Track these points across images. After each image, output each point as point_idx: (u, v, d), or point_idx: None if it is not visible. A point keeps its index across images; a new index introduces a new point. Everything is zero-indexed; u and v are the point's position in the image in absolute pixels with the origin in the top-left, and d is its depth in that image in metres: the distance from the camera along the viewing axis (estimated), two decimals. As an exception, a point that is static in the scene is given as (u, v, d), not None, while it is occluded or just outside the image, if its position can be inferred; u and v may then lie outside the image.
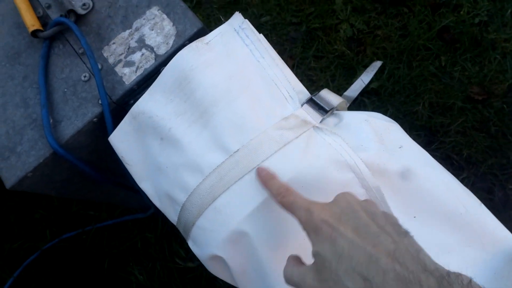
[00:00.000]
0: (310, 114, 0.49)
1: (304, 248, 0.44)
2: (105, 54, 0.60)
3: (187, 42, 0.57)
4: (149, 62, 0.58)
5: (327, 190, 0.45)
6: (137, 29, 0.60)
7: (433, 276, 0.27)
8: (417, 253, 0.29)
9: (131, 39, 0.59)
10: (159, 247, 1.05)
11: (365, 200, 0.35)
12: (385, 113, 1.08)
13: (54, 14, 0.62)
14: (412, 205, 0.47)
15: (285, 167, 0.45)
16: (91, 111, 0.57)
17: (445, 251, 0.47)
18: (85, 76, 0.59)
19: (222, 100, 0.48)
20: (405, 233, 0.31)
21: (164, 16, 0.59)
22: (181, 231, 0.51)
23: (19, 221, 1.14)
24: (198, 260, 0.50)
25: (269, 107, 0.49)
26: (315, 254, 0.31)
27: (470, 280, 0.28)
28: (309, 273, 0.32)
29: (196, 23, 0.58)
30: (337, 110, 0.53)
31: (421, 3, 1.19)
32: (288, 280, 0.35)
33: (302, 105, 0.50)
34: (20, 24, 0.64)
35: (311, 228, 0.33)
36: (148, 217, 1.04)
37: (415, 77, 1.10)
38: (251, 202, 0.44)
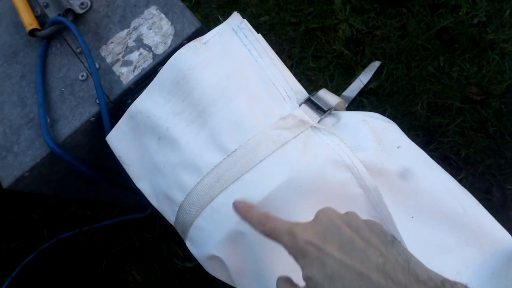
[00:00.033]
0: (308, 114, 0.49)
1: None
2: (102, 54, 0.59)
3: (185, 41, 0.57)
4: (147, 62, 0.58)
5: (325, 190, 0.45)
6: (135, 29, 0.60)
7: (426, 287, 0.27)
8: (408, 263, 0.28)
9: (129, 38, 0.59)
10: (157, 247, 1.05)
11: (346, 213, 0.34)
12: (383, 113, 1.08)
13: (52, 13, 0.62)
14: (410, 205, 0.47)
15: (282, 167, 0.44)
16: (88, 110, 0.57)
17: (443, 251, 0.47)
18: (82, 76, 0.59)
19: (220, 100, 0.48)
20: (392, 242, 0.30)
21: (162, 15, 0.59)
22: (178, 231, 0.51)
23: (16, 221, 1.14)
24: (196, 260, 0.50)
25: (267, 107, 0.49)
26: (305, 279, 0.30)
27: (465, 287, 0.28)
28: None
29: (194, 23, 0.58)
30: (335, 110, 0.53)
31: (420, 3, 1.19)
32: None
33: (300, 105, 0.50)
34: (17, 23, 0.64)
35: (298, 252, 0.32)
36: (146, 217, 1.04)
37: (414, 77, 1.10)
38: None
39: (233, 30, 0.53)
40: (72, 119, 0.57)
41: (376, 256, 0.28)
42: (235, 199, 0.45)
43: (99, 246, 1.08)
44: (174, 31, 0.58)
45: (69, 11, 0.61)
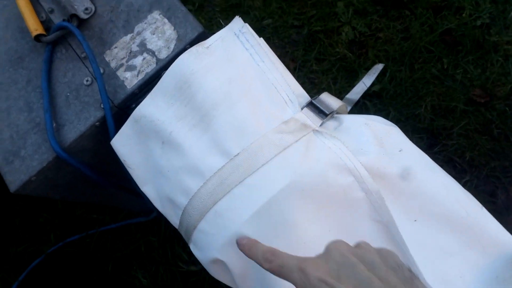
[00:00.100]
0: (310, 118, 0.49)
1: (303, 252, 0.44)
2: (107, 58, 0.60)
3: (188, 46, 0.58)
4: (151, 66, 0.58)
5: (327, 193, 0.45)
6: (138, 33, 0.60)
7: None
8: None
9: (133, 43, 0.60)
10: (162, 251, 1.06)
11: (359, 246, 0.32)
12: (387, 116, 1.08)
13: (57, 19, 0.63)
14: (413, 208, 0.47)
15: (285, 171, 0.45)
16: (93, 115, 0.58)
17: (447, 254, 0.47)
18: (87, 80, 0.60)
19: (223, 104, 0.49)
20: (411, 279, 0.29)
21: (165, 20, 0.60)
22: (182, 234, 0.52)
23: (23, 225, 1.15)
24: (200, 263, 0.50)
25: (269, 111, 0.49)
26: None
27: None
28: None
29: (197, 27, 0.58)
30: (337, 113, 0.53)
31: (423, 5, 1.19)
32: None
33: (302, 109, 0.50)
34: (23, 28, 0.65)
35: None
36: (151, 221, 1.05)
37: (417, 80, 1.10)
38: (251, 205, 0.44)
39: (235, 34, 0.53)
40: (77, 123, 0.58)
41: None
42: (238, 203, 0.45)
43: (105, 250, 1.08)
44: (177, 36, 0.59)
45: (73, 16, 0.62)
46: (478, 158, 0.99)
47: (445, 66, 1.11)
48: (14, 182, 0.58)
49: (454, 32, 1.14)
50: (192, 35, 0.58)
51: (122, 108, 0.59)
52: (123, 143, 0.55)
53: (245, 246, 0.36)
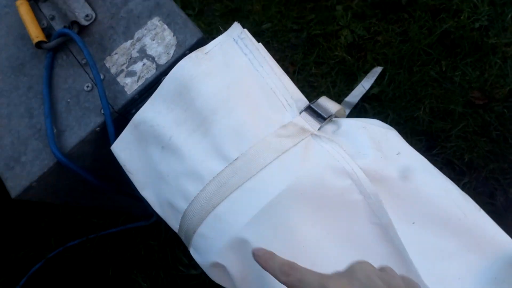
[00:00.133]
0: (308, 122, 0.50)
1: (302, 255, 0.44)
2: (107, 64, 0.61)
3: (187, 51, 0.58)
4: (150, 72, 0.59)
5: (326, 196, 0.45)
6: (138, 40, 0.61)
7: None
8: None
9: (133, 49, 0.61)
10: (163, 255, 1.06)
11: (383, 269, 0.31)
12: (386, 118, 1.08)
13: (57, 26, 0.64)
14: (411, 211, 0.48)
15: (283, 175, 0.45)
16: (93, 120, 0.58)
17: (445, 256, 0.47)
18: (88, 86, 0.60)
19: (222, 109, 0.49)
20: None
21: (165, 26, 0.60)
22: (182, 238, 0.52)
23: (24, 229, 1.15)
24: (200, 267, 0.50)
25: (268, 115, 0.50)
26: None
27: None
28: None
29: (196, 33, 0.59)
30: (335, 117, 0.54)
31: (422, 8, 1.19)
32: None
33: (300, 113, 0.50)
34: (24, 35, 0.65)
35: None
36: (151, 225, 1.05)
37: (416, 82, 1.10)
38: (250, 209, 0.45)
39: (234, 40, 0.54)
40: (78, 129, 0.59)
41: None
42: (237, 207, 0.46)
43: (105, 254, 1.09)
44: (176, 42, 0.59)
45: (74, 23, 0.62)
46: (477, 160, 1.00)
47: (444, 69, 1.11)
48: (15, 187, 0.58)
49: (452, 34, 1.15)
50: (192, 41, 0.58)
51: (122, 114, 0.59)
52: (123, 148, 0.56)
53: (261, 258, 0.35)
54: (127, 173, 0.56)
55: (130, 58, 0.60)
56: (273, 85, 0.52)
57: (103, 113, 0.58)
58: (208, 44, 0.54)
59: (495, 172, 0.98)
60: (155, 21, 0.61)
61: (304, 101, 0.52)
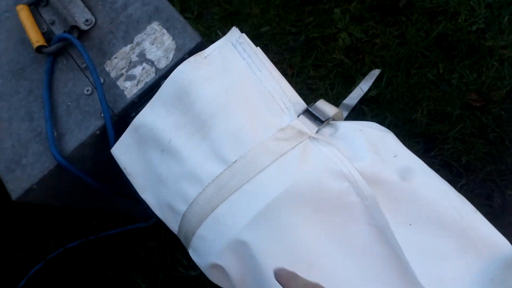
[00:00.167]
0: (306, 125, 0.50)
1: (300, 257, 0.45)
2: (107, 68, 0.61)
3: (186, 56, 0.59)
4: (150, 76, 0.60)
5: (323, 199, 0.46)
6: (138, 44, 0.61)
7: None
8: None
9: (132, 53, 0.61)
10: (162, 256, 1.06)
11: None
12: (383, 120, 1.09)
13: (58, 30, 0.64)
14: (408, 213, 0.48)
15: (281, 177, 0.46)
16: (94, 124, 0.59)
17: (442, 257, 0.48)
18: (88, 90, 0.61)
19: (220, 113, 0.50)
20: None
21: (164, 31, 0.61)
22: (182, 240, 0.52)
23: (24, 231, 1.16)
24: (200, 268, 0.51)
25: (266, 119, 0.50)
26: None
27: None
28: None
29: (195, 38, 0.60)
30: (333, 120, 0.54)
31: (419, 11, 1.20)
32: None
33: (298, 116, 0.51)
34: (25, 40, 0.66)
35: None
36: (150, 226, 1.06)
37: (414, 85, 1.11)
38: (249, 211, 0.45)
39: (232, 44, 0.55)
40: (78, 132, 0.59)
41: None
42: (235, 209, 0.46)
43: (105, 255, 1.09)
44: (175, 46, 0.60)
45: (74, 27, 0.63)
46: (474, 161, 1.00)
47: (441, 71, 1.12)
48: (15, 190, 0.59)
49: (449, 37, 1.16)
50: (191, 45, 0.59)
51: (122, 117, 0.60)
52: (123, 151, 0.56)
53: (283, 278, 0.35)
54: (127, 175, 0.57)
55: (130, 62, 0.61)
56: (271, 88, 0.52)
57: (103, 117, 0.59)
58: (207, 48, 0.55)
59: (492, 174, 0.99)
60: (154, 25, 0.62)
61: (302, 104, 0.52)
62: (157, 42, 0.61)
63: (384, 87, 1.12)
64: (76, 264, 1.09)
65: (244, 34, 0.55)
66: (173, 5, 0.59)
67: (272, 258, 0.45)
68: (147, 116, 0.54)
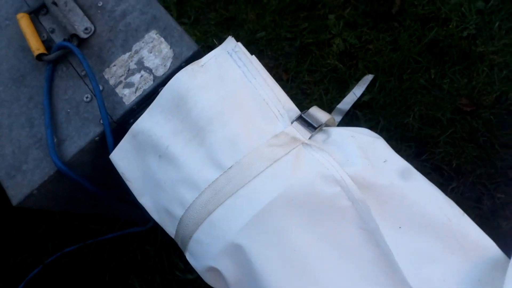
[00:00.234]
0: (300, 131, 0.52)
1: (293, 259, 0.46)
2: (106, 76, 0.63)
3: (183, 64, 0.61)
4: (148, 83, 0.61)
5: (316, 203, 0.48)
6: (136, 52, 0.63)
7: None
8: None
9: (131, 61, 0.63)
10: (159, 259, 1.07)
11: None
12: (376, 125, 1.11)
13: (57, 38, 0.66)
14: (397, 216, 0.50)
15: (275, 182, 0.47)
16: (93, 130, 0.60)
17: (430, 260, 0.49)
18: (87, 97, 0.62)
19: (217, 120, 0.51)
20: None
21: (162, 39, 0.63)
22: (179, 244, 0.54)
23: (22, 235, 1.16)
24: (196, 272, 0.52)
25: (261, 126, 0.52)
26: None
27: None
28: None
29: (192, 46, 0.61)
30: (326, 126, 0.56)
31: (411, 17, 1.22)
32: None
33: (292, 123, 0.53)
34: (25, 47, 0.67)
35: None
36: (147, 230, 1.07)
37: (406, 90, 1.13)
38: (244, 215, 0.47)
39: (228, 53, 0.56)
40: (77, 139, 0.61)
41: None
42: (231, 213, 0.48)
43: (102, 259, 1.10)
44: (173, 54, 0.62)
45: (74, 36, 0.64)
46: (465, 165, 1.02)
47: (433, 76, 1.14)
48: (16, 196, 0.60)
49: (441, 43, 1.18)
50: (188, 53, 0.61)
51: (121, 124, 0.61)
52: (122, 157, 0.58)
53: None
54: (126, 181, 0.58)
55: (128, 70, 0.62)
56: (266, 96, 0.54)
57: (102, 123, 0.60)
58: (203, 57, 0.56)
59: (482, 177, 1.01)
60: (152, 34, 0.63)
61: (295, 111, 0.54)
62: (155, 50, 0.62)
63: (377, 92, 1.14)
64: (74, 268, 1.10)
65: (239, 43, 0.56)
66: (170, 11, 0.61)
67: (267, 261, 0.47)
68: (145, 122, 0.56)
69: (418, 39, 1.20)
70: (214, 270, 0.49)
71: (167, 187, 0.53)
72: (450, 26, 1.20)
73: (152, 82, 0.61)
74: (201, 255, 0.50)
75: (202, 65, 0.55)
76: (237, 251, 0.47)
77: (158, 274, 1.06)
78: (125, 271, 1.08)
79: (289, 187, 0.47)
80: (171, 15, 0.64)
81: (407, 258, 0.48)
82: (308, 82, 1.21)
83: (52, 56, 0.63)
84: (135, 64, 0.62)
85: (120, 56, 0.63)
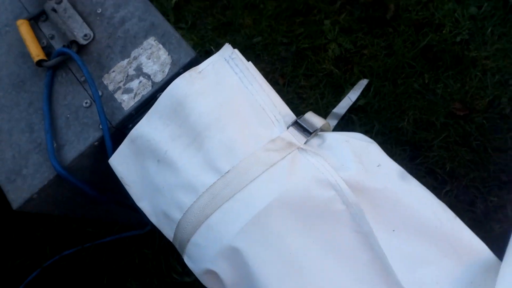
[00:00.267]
0: (295, 136, 0.53)
1: (289, 263, 0.47)
2: (105, 82, 0.64)
3: (181, 70, 0.62)
4: (146, 89, 0.62)
5: (311, 206, 0.49)
6: (135, 58, 0.64)
7: None
8: None
9: (130, 67, 0.64)
10: (157, 262, 1.08)
11: None
12: (371, 129, 1.12)
13: (57, 45, 0.67)
14: (391, 219, 0.51)
15: (271, 187, 0.49)
16: (92, 135, 0.61)
17: (424, 263, 0.50)
18: (86, 103, 0.63)
19: (214, 126, 0.53)
20: None
21: (160, 46, 0.64)
22: (177, 247, 0.55)
23: (20, 239, 1.17)
24: (194, 275, 0.53)
25: (257, 131, 0.53)
26: None
27: None
28: None
29: (190, 53, 0.63)
30: (321, 131, 0.57)
31: (405, 23, 1.24)
32: None
33: (288, 128, 0.54)
34: (25, 53, 0.68)
35: None
36: (145, 233, 1.07)
37: (400, 94, 1.15)
38: (241, 219, 0.48)
39: (225, 60, 0.58)
40: (77, 143, 0.61)
41: None
42: (228, 217, 0.49)
43: (100, 263, 1.11)
44: (171, 61, 0.63)
45: (73, 42, 0.65)
46: (458, 169, 1.04)
47: (427, 81, 1.16)
48: (16, 200, 0.61)
49: (435, 48, 1.20)
50: (185, 59, 0.62)
51: (120, 129, 0.62)
52: (121, 161, 0.59)
53: None
54: (124, 185, 0.59)
55: (127, 76, 0.63)
56: (262, 101, 0.55)
57: (101, 128, 0.61)
58: (201, 63, 0.57)
59: (476, 181, 1.02)
60: (151, 40, 0.64)
61: (291, 116, 0.55)
62: (153, 57, 0.63)
63: (372, 96, 1.16)
64: (72, 271, 1.10)
65: (236, 50, 0.58)
66: (167, 16, 0.62)
67: (263, 264, 0.48)
68: (144, 127, 0.57)
69: (412, 44, 1.21)
70: (211, 273, 0.50)
71: (165, 191, 0.54)
72: (444, 32, 1.22)
73: (150, 88, 0.62)
74: (199, 258, 0.51)
75: (200, 72, 0.57)
76: (234, 254, 0.48)
77: (156, 277, 1.07)
78: (123, 274, 1.09)
79: (285, 191, 0.48)
80: (169, 20, 0.65)
81: (401, 261, 0.49)
82: (304, 86, 1.22)
83: (51, 62, 0.64)
84: (133, 70, 0.63)
85: (119, 62, 0.64)
